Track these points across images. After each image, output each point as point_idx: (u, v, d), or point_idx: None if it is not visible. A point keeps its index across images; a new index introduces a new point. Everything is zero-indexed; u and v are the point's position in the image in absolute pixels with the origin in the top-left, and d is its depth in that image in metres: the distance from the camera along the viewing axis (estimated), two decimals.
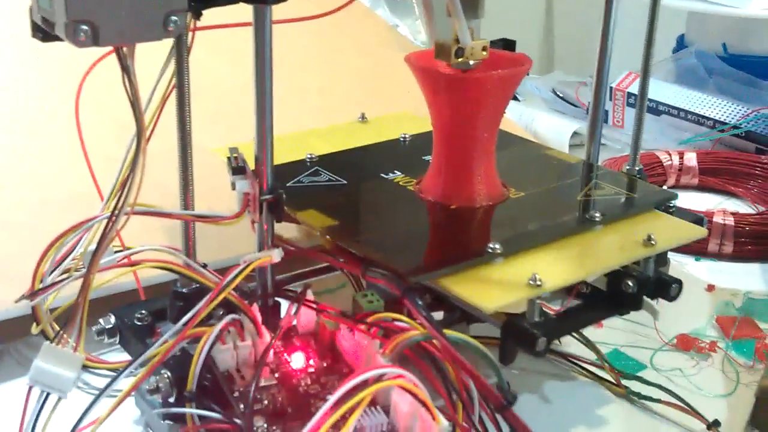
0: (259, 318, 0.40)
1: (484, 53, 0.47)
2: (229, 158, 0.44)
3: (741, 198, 0.76)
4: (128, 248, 0.43)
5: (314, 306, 0.40)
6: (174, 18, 0.37)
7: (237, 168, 0.44)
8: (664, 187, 0.76)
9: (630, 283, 0.44)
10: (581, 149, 0.59)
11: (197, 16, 0.42)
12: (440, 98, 0.48)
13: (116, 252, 0.43)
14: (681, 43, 0.99)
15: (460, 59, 0.47)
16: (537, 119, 0.87)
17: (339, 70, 0.85)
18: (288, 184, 0.51)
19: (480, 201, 0.49)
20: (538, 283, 0.40)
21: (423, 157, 0.54)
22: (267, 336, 0.38)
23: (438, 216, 0.49)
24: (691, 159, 0.77)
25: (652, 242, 0.45)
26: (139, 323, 0.44)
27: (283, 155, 0.53)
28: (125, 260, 0.42)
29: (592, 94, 0.58)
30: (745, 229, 0.64)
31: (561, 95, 0.94)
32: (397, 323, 0.37)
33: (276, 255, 0.42)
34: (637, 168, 0.58)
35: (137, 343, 0.42)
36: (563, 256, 0.44)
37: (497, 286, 0.41)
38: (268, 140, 0.43)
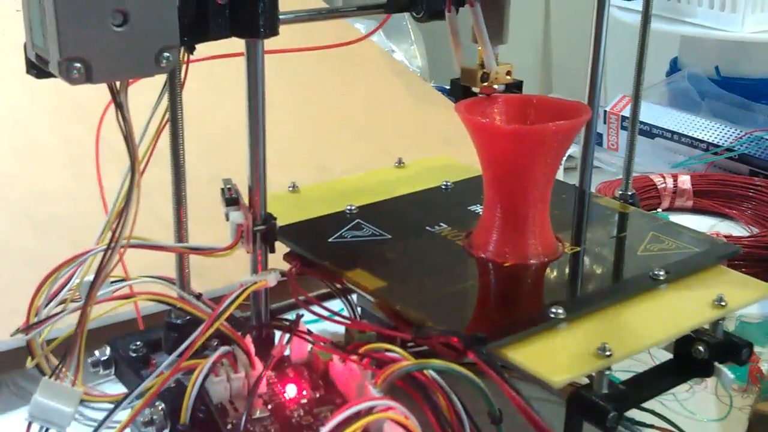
0: (253, 349, 0.40)
1: (509, 77, 0.48)
2: (222, 189, 0.45)
3: (735, 220, 0.75)
4: (125, 279, 0.44)
5: (307, 336, 0.40)
6: (167, 54, 0.37)
7: (230, 199, 0.44)
8: (659, 210, 0.77)
9: (701, 349, 0.43)
10: (576, 173, 0.59)
11: (190, 50, 0.43)
12: (496, 151, 0.45)
13: (112, 282, 0.43)
14: (674, 67, 0.99)
15: (485, 84, 0.48)
16: None
17: (332, 96, 0.85)
18: (330, 240, 0.48)
19: (535, 258, 0.46)
20: (608, 353, 0.37)
21: (469, 208, 0.52)
22: (259, 367, 0.38)
23: (492, 275, 0.46)
24: (685, 182, 0.77)
25: (723, 303, 0.42)
26: (134, 354, 0.44)
27: (319, 206, 0.52)
28: (121, 291, 0.42)
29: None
30: (740, 250, 0.64)
31: None
32: (389, 354, 0.37)
33: (272, 279, 0.43)
34: (629, 192, 0.58)
35: (132, 374, 0.42)
36: (629, 320, 0.41)
37: (564, 356, 0.38)
38: (261, 171, 0.44)
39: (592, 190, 0.63)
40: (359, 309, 0.51)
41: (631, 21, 0.87)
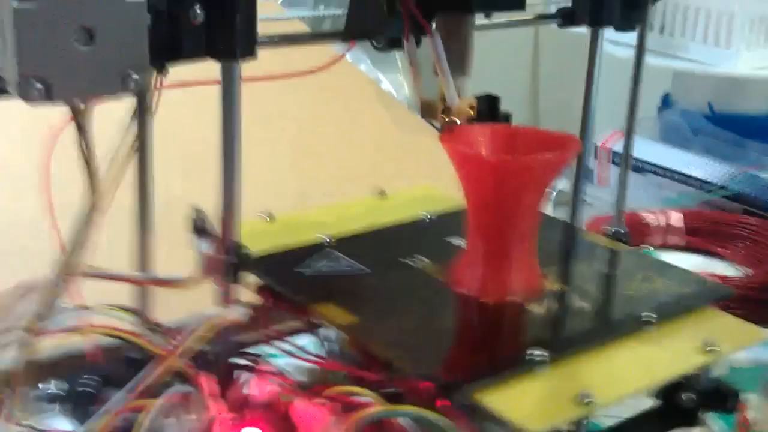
0: (212, 388, 0.37)
1: (471, 112, 0.46)
2: (191, 218, 0.43)
3: (727, 260, 0.74)
4: (84, 306, 0.41)
5: (268, 376, 0.38)
6: (134, 75, 0.36)
7: (200, 228, 0.42)
8: (651, 248, 0.75)
9: (687, 397, 0.41)
10: (565, 208, 0.57)
11: (162, 72, 0.41)
12: (480, 183, 0.44)
13: (71, 309, 0.41)
14: (666, 102, 0.98)
15: (447, 118, 0.46)
16: None
17: (318, 126, 0.84)
18: (303, 272, 0.46)
19: (518, 295, 0.44)
20: (589, 400, 0.36)
21: (450, 240, 0.50)
22: (216, 409, 0.36)
23: (472, 313, 0.44)
24: (677, 219, 0.75)
25: (713, 349, 0.41)
26: (86, 389, 0.42)
27: (295, 236, 0.50)
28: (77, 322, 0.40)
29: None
30: (733, 291, 0.62)
31: None
32: (358, 397, 0.35)
33: (237, 313, 0.41)
34: (622, 230, 0.56)
35: (82, 411, 0.40)
36: (614, 364, 0.40)
37: (542, 403, 0.36)
38: (234, 200, 0.42)
39: (582, 226, 0.62)
40: (336, 347, 0.48)
41: (623, 55, 0.85)
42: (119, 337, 0.39)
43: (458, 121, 0.46)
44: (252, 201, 0.67)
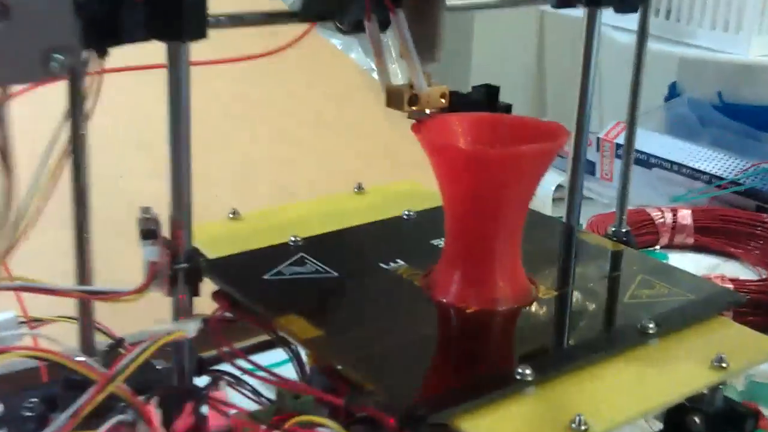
0: (156, 417, 0.33)
1: (443, 101, 0.41)
2: (140, 221, 0.38)
3: (740, 260, 0.70)
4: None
5: (221, 406, 0.33)
6: (58, 55, 0.31)
7: (147, 231, 0.37)
8: (657, 248, 0.71)
9: (696, 420, 0.37)
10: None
11: (101, 54, 0.36)
12: (457, 177, 0.40)
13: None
14: (673, 91, 0.94)
15: (414, 107, 0.41)
16: None
17: (305, 116, 0.79)
18: (266, 277, 0.42)
19: (503, 303, 0.40)
20: (583, 427, 0.32)
21: (431, 241, 0.46)
22: None
23: (451, 323, 0.40)
24: (685, 216, 0.72)
25: (724, 365, 0.37)
26: (27, 413, 0.38)
27: (261, 236, 0.46)
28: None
29: (572, 145, 0.53)
30: (745, 298, 0.58)
31: None
32: (320, 429, 0.30)
33: (190, 329, 0.36)
34: (623, 229, 0.52)
35: None
36: (611, 384, 0.36)
37: (530, 430, 0.33)
38: (186, 198, 0.37)
39: (582, 223, 0.57)
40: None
41: (629, 42, 0.81)
42: (48, 360, 0.34)
43: (427, 112, 0.41)
44: (228, 196, 0.63)
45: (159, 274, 0.36)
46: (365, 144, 0.78)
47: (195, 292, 0.37)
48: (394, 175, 0.71)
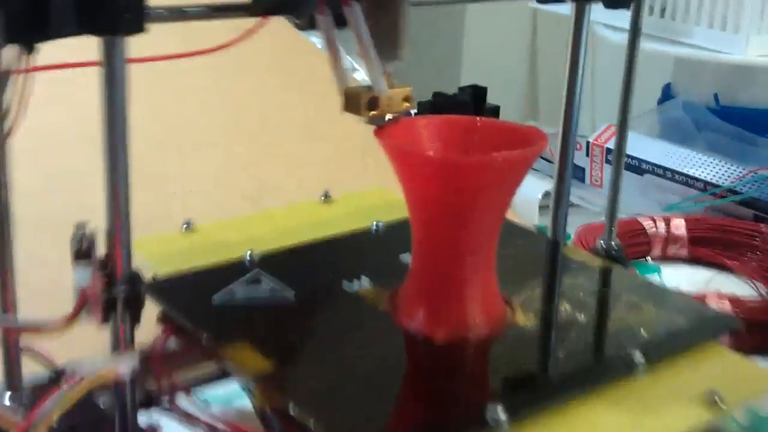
0: None
1: (406, 104, 0.38)
2: (73, 240, 0.34)
3: (736, 273, 0.67)
4: None
5: None
6: None
7: (81, 251, 0.33)
8: (648, 259, 0.68)
9: None
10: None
11: (28, 50, 0.33)
12: (422, 189, 0.36)
13: None
14: (667, 93, 0.91)
15: (373, 112, 0.37)
16: None
17: (278, 118, 0.75)
18: (215, 298, 0.38)
19: (474, 329, 0.37)
20: None
21: (400, 257, 0.42)
22: None
23: (414, 354, 0.37)
24: (679, 226, 0.68)
25: (718, 401, 0.34)
26: None
27: (216, 251, 0.42)
28: None
29: (558, 149, 0.50)
30: (743, 317, 0.54)
31: None
32: None
33: (125, 366, 0.32)
34: (613, 243, 0.49)
35: None
36: (593, 424, 0.33)
37: None
38: (124, 210, 0.33)
39: (570, 233, 0.53)
40: None
41: (622, 41, 0.78)
42: None
43: (387, 117, 0.37)
44: (194, 205, 0.59)
45: (91, 301, 0.33)
46: (340, 148, 0.74)
47: (135, 320, 0.34)
48: (370, 179, 0.67)
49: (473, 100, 1.07)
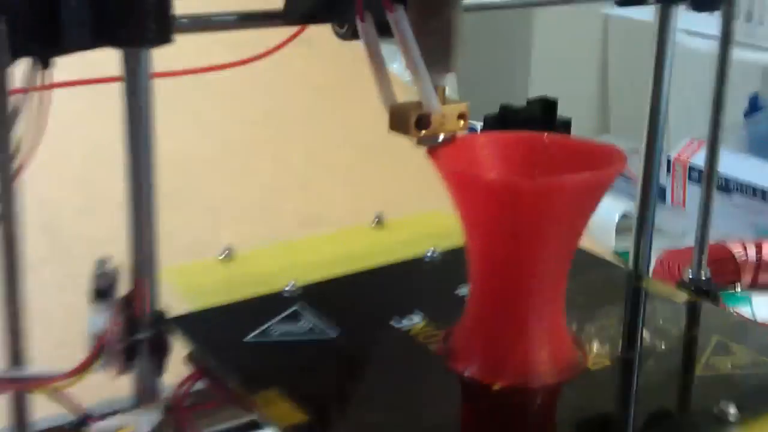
0: None
1: (461, 123, 0.33)
2: (94, 278, 0.31)
3: None
4: None
5: None
6: None
7: (98, 291, 0.30)
8: (738, 288, 0.63)
9: None
10: (630, 236, 0.46)
11: (44, 65, 0.30)
12: (482, 216, 0.33)
13: None
14: (755, 105, 0.86)
15: (423, 132, 0.32)
16: None
17: (333, 135, 0.72)
18: (249, 337, 0.34)
19: (541, 377, 0.33)
20: None
21: (457, 291, 0.39)
22: None
23: (472, 404, 0.33)
24: None
25: None
26: None
27: (255, 282, 0.39)
28: None
29: (641, 168, 0.46)
30: None
31: None
32: None
33: (143, 424, 0.29)
34: (703, 275, 0.45)
35: None
36: None
37: None
38: (148, 243, 0.30)
39: (651, 260, 0.49)
40: None
41: (703, 48, 0.73)
42: None
43: (440, 138, 0.33)
44: (241, 230, 0.55)
45: (108, 347, 0.29)
46: (399, 167, 0.70)
47: (160, 367, 0.30)
48: (425, 201, 0.63)
49: (543, 114, 1.02)
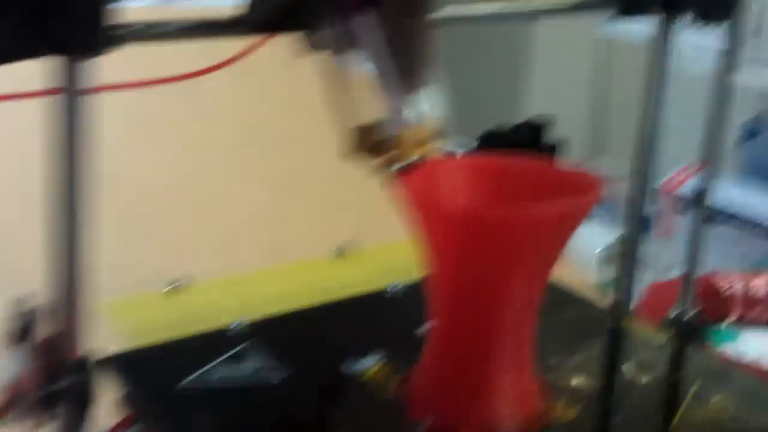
0: None
1: (427, 148, 0.30)
2: (12, 319, 0.28)
3: None
4: None
5: None
6: None
7: (16, 333, 0.27)
8: (727, 323, 0.61)
9: None
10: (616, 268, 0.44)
11: None
12: (445, 248, 0.30)
13: None
14: (753, 129, 0.83)
15: (385, 156, 0.30)
16: None
17: (316, 156, 0.69)
18: (187, 381, 0.32)
19: (506, 426, 0.30)
20: None
21: (418, 328, 0.36)
22: None
23: None
24: (761, 287, 0.61)
25: None
26: None
27: (205, 316, 0.37)
28: None
29: (630, 196, 0.43)
30: None
31: None
32: None
33: None
34: (690, 313, 0.43)
35: None
36: None
37: None
38: (75, 280, 0.27)
39: (637, 295, 0.47)
40: None
41: (695, 69, 0.70)
42: None
43: (401, 162, 0.30)
44: (205, 260, 0.52)
45: (23, 397, 0.26)
46: (380, 193, 0.67)
47: (83, 419, 0.28)
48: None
49: (530, 137, 1.00)
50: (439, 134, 0.31)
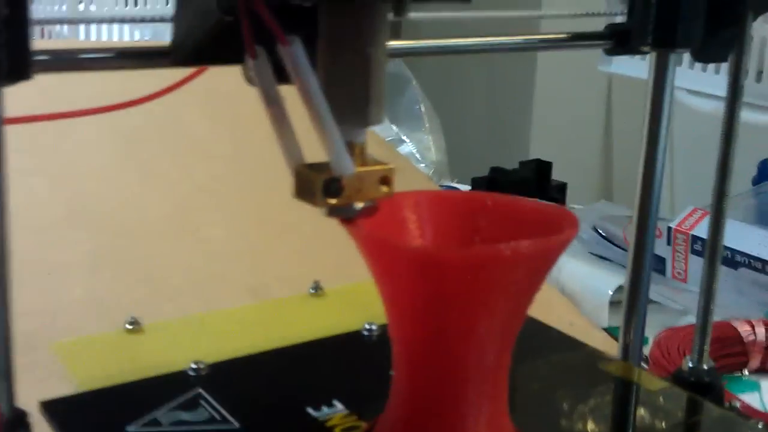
0: None
1: (384, 189, 0.27)
2: None
3: None
4: None
5: None
6: None
7: None
8: (745, 372, 0.56)
9: None
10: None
11: None
12: (404, 292, 0.27)
13: None
14: (764, 171, 0.80)
15: (335, 200, 0.26)
16: (566, 269, 0.66)
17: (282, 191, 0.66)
18: (131, 429, 0.28)
19: None
20: None
21: (390, 373, 0.33)
22: None
23: None
24: None
25: None
26: None
27: (162, 358, 0.33)
28: None
29: (634, 237, 0.41)
30: None
31: (603, 234, 0.75)
32: None
33: None
34: (705, 366, 0.39)
35: None
36: None
37: None
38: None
39: (648, 337, 0.43)
40: None
41: (708, 109, 0.67)
42: None
43: (355, 207, 0.26)
44: (180, 299, 0.48)
45: None
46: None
47: None
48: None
49: (536, 176, 0.97)
50: (391, 176, 0.28)
